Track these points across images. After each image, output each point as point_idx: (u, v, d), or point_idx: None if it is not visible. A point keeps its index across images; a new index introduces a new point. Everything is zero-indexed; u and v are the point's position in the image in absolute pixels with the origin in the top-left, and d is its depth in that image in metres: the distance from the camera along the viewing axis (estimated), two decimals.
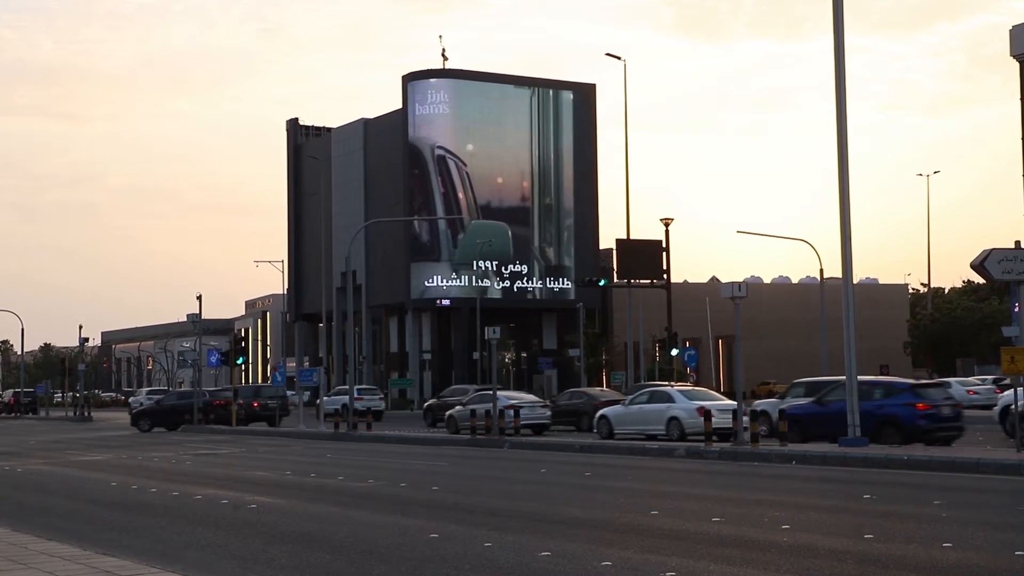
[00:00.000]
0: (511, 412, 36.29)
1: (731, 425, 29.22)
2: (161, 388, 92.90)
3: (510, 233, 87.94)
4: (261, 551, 12.94)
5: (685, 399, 33.90)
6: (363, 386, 52.26)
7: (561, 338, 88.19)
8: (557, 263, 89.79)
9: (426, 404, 54.20)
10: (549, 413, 40.20)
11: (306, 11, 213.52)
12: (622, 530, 13.80)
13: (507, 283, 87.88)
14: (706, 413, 29.24)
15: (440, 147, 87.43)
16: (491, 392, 38.52)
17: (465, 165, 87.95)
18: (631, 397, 37.17)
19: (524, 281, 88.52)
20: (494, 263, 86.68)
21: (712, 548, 12.21)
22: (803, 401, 30.66)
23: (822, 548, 12.03)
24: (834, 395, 28.68)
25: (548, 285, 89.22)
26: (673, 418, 33.02)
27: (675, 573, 10.79)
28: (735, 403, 29.77)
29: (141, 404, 61.16)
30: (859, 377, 27.06)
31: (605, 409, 35.64)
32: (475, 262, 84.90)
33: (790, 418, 28.40)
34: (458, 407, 42.82)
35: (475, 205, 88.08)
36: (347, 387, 49.79)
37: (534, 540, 13.10)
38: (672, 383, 45.67)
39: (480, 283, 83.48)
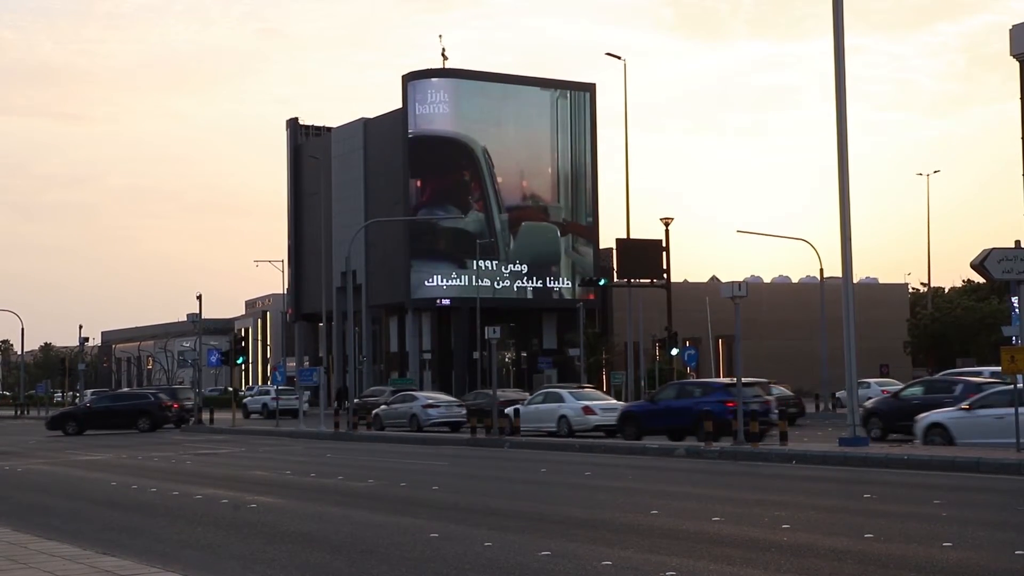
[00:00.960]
0: (431, 411, 42.62)
1: (614, 422, 34.45)
2: (104, 390, 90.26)
3: (558, 234, 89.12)
4: (261, 551, 12.94)
5: (573, 399, 37.69)
6: (284, 387, 54.00)
7: (561, 338, 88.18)
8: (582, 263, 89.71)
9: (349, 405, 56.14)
10: (464, 412, 43.08)
11: (306, 11, 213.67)
12: (622, 530, 13.80)
13: (507, 282, 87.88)
14: (590, 411, 34.36)
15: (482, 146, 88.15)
16: (409, 392, 45.06)
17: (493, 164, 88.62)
18: (530, 398, 41.20)
19: (551, 281, 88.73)
20: (493, 262, 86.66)
21: (712, 547, 12.21)
22: (641, 401, 35.41)
23: (822, 547, 12.03)
24: (663, 395, 34.43)
25: (570, 285, 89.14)
26: (563, 416, 36.87)
27: (675, 573, 10.79)
28: (618, 402, 34.90)
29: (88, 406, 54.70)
30: (687, 380, 33.54)
31: (509, 408, 37.89)
32: (514, 262, 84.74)
33: (628, 415, 33.72)
34: (383, 406, 46.91)
35: (499, 202, 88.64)
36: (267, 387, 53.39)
37: (534, 540, 13.10)
38: (580, 385, 49.35)
39: (481, 282, 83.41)
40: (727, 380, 35.11)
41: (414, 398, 45.24)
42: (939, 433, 25.52)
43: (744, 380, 30.28)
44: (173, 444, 38.72)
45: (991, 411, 24.62)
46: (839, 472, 22.02)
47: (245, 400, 69.51)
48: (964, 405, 26.08)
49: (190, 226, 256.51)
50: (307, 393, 52.11)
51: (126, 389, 75.65)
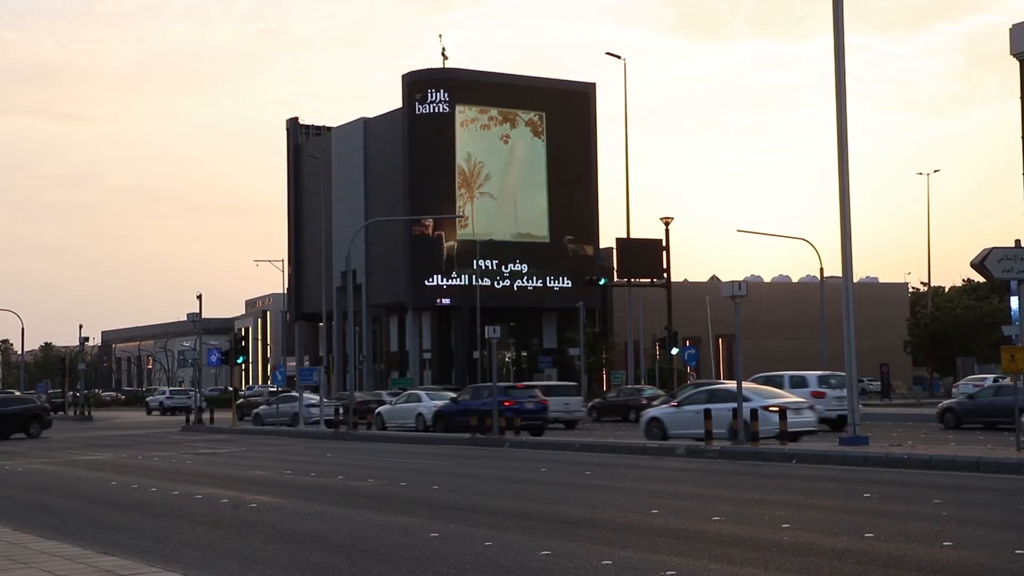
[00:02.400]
0: (312, 410, 47.08)
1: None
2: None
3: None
4: (261, 550, 12.94)
5: (428, 399, 43.01)
6: (175, 388, 56.20)
7: (561, 337, 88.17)
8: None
9: (236, 403, 59.67)
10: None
11: (306, 11, 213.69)
12: (622, 529, 13.80)
13: (507, 282, 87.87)
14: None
15: None
16: (294, 395, 48.77)
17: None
18: (396, 398, 45.86)
19: (552, 281, 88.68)
20: (493, 262, 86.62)
21: (712, 547, 12.21)
22: (447, 402, 41.31)
23: (822, 547, 12.03)
24: (463, 396, 40.47)
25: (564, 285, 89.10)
26: (419, 414, 41.90)
27: (675, 572, 10.79)
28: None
29: None
30: (485, 384, 38.48)
31: (380, 408, 44.57)
32: (475, 261, 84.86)
33: (439, 414, 39.50)
34: (263, 406, 52.43)
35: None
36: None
37: (534, 539, 13.10)
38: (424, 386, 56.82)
39: (480, 282, 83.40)
40: (505, 384, 42.98)
41: (419, 398, 45.23)
42: (656, 426, 31.51)
43: (523, 384, 39.51)
44: (173, 444, 38.73)
45: (693, 407, 30.38)
46: (839, 471, 22.02)
47: (148, 399, 71.57)
48: (673, 403, 32.38)
49: (191, 226, 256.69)
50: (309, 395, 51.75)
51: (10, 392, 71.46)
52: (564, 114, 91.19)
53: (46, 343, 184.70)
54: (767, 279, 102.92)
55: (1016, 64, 54.71)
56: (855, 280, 28.57)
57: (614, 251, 67.14)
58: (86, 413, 71.58)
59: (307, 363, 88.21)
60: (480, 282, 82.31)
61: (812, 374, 39.21)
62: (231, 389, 64.83)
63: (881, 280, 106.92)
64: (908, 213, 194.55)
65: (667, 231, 60.25)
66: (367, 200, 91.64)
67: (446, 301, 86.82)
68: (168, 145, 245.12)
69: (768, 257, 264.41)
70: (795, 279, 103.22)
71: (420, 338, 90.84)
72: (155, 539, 14.25)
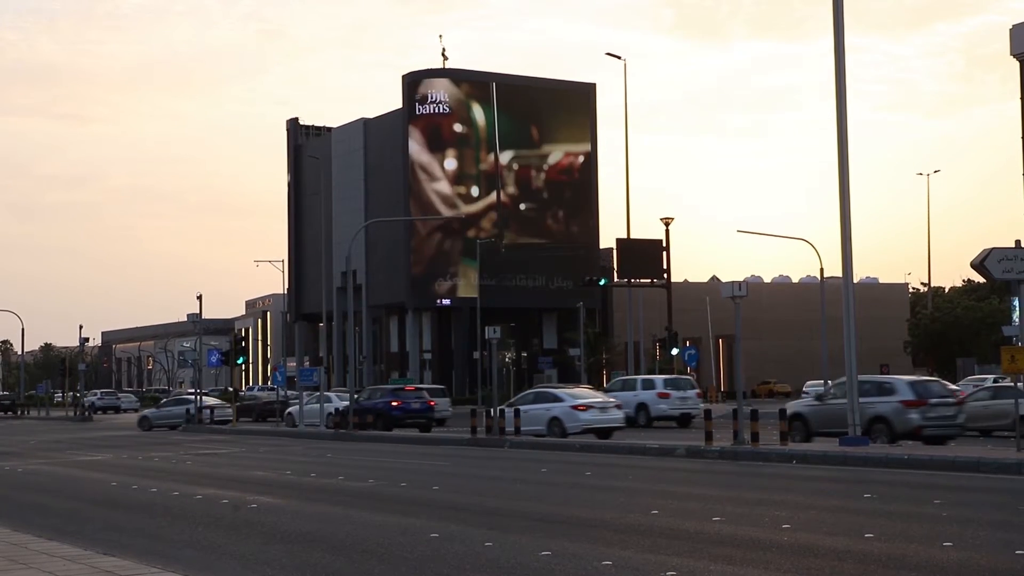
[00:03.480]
0: (208, 411, 52.57)
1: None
2: None
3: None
4: (261, 551, 12.94)
5: (337, 399, 47.99)
6: (107, 390, 58.65)
7: (561, 337, 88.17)
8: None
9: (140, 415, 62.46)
10: (230, 410, 53.79)
11: (307, 11, 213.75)
12: (623, 530, 13.79)
13: (507, 282, 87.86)
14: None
15: None
16: (190, 396, 54.68)
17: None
18: (306, 400, 48.69)
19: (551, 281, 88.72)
20: (494, 262, 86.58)
21: (713, 547, 12.20)
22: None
23: (823, 547, 12.03)
24: (363, 395, 45.67)
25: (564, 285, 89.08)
26: (330, 413, 45.23)
27: (676, 573, 10.78)
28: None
29: None
30: (376, 386, 44.08)
31: (290, 408, 48.66)
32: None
33: (344, 413, 42.80)
34: (152, 409, 58.14)
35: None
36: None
37: (535, 540, 13.09)
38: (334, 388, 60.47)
39: (480, 282, 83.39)
40: (394, 386, 47.99)
41: (329, 399, 49.10)
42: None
43: (412, 387, 44.01)
44: (173, 444, 38.72)
45: (524, 407, 35.02)
46: (839, 472, 22.01)
47: (84, 399, 74.51)
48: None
49: (190, 226, 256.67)
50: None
51: None
52: (564, 114, 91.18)
53: (46, 343, 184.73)
54: (767, 279, 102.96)
55: (1016, 64, 54.73)
56: (855, 280, 28.56)
57: (614, 251, 67.15)
58: (86, 414, 71.62)
59: (307, 364, 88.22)
60: (480, 282, 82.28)
61: (660, 377, 45.71)
62: (231, 390, 64.80)
63: (881, 280, 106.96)
64: (908, 213, 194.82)
65: (667, 231, 60.28)
66: (367, 200, 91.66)
67: (446, 301, 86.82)
68: (168, 145, 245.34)
69: (768, 257, 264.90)
70: (795, 279, 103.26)
71: (420, 338, 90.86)
72: (155, 539, 14.24)
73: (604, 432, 33.64)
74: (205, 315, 57.43)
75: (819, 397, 30.95)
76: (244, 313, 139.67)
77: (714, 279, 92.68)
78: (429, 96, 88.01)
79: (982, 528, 13.38)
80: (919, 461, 22.24)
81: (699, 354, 65.20)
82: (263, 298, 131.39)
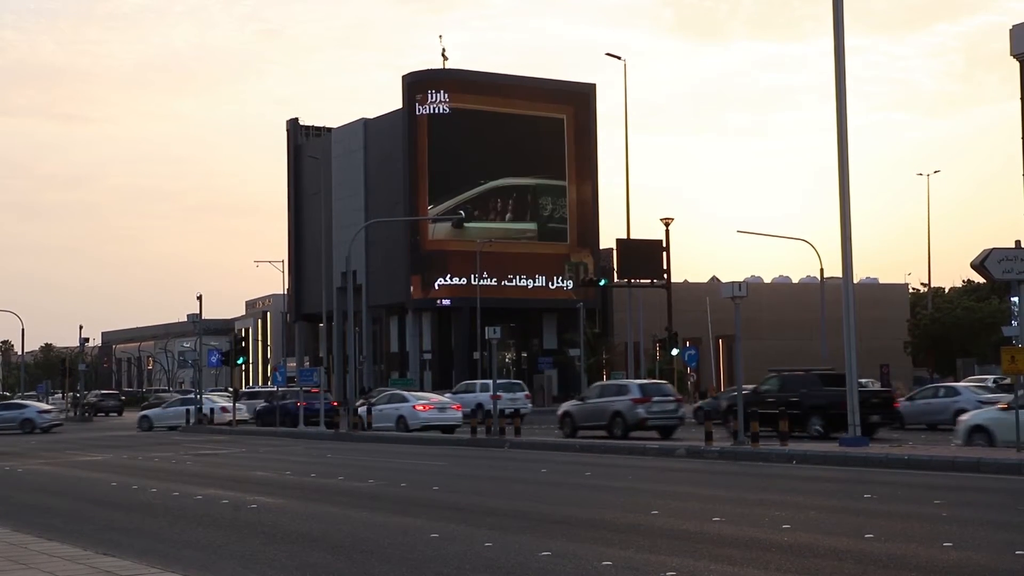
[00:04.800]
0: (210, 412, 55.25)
1: (246, 417, 53.89)
2: None
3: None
4: (261, 551, 12.94)
5: (209, 401, 54.55)
6: (108, 391, 60.93)
7: (561, 338, 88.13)
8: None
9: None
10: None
11: (306, 12, 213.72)
12: (623, 530, 13.80)
13: (507, 283, 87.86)
14: (225, 409, 51.87)
15: None
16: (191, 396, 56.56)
17: None
18: (168, 402, 56.75)
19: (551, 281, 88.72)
20: (494, 262, 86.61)
21: (713, 548, 12.21)
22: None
23: (823, 547, 12.03)
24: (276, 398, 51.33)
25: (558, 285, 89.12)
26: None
27: (676, 573, 10.79)
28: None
29: None
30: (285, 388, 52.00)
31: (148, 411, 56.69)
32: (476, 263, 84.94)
33: (259, 412, 51.83)
34: (157, 409, 60.20)
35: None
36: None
37: (535, 540, 13.10)
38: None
39: (480, 282, 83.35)
40: (296, 389, 50.49)
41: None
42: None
43: (316, 388, 47.95)
44: (173, 444, 38.73)
45: (378, 407, 41.95)
46: (839, 472, 22.02)
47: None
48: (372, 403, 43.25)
49: (190, 226, 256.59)
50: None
51: None
52: (564, 114, 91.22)
53: (46, 344, 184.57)
54: (767, 280, 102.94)
55: (1016, 64, 54.73)
56: (855, 281, 28.57)
57: (614, 252, 67.14)
58: (86, 414, 71.63)
59: (307, 364, 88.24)
60: (480, 282, 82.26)
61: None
62: (231, 390, 64.81)
63: (881, 281, 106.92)
64: (908, 213, 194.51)
65: (667, 232, 60.27)
66: (367, 200, 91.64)
67: (446, 302, 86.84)
68: (168, 145, 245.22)
69: (768, 257, 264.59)
70: (795, 280, 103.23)
71: (420, 338, 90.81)
72: (155, 540, 14.25)
73: (449, 430, 40.59)
74: (205, 315, 57.45)
75: (582, 398, 37.91)
76: (244, 313, 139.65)
77: (714, 279, 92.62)
78: (429, 96, 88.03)
79: (982, 528, 13.38)
80: (919, 461, 22.24)
81: (699, 354, 65.17)
82: (263, 298, 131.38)
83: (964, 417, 26.81)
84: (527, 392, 54.76)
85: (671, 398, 35.79)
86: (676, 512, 15.54)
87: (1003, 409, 25.20)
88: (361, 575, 11.39)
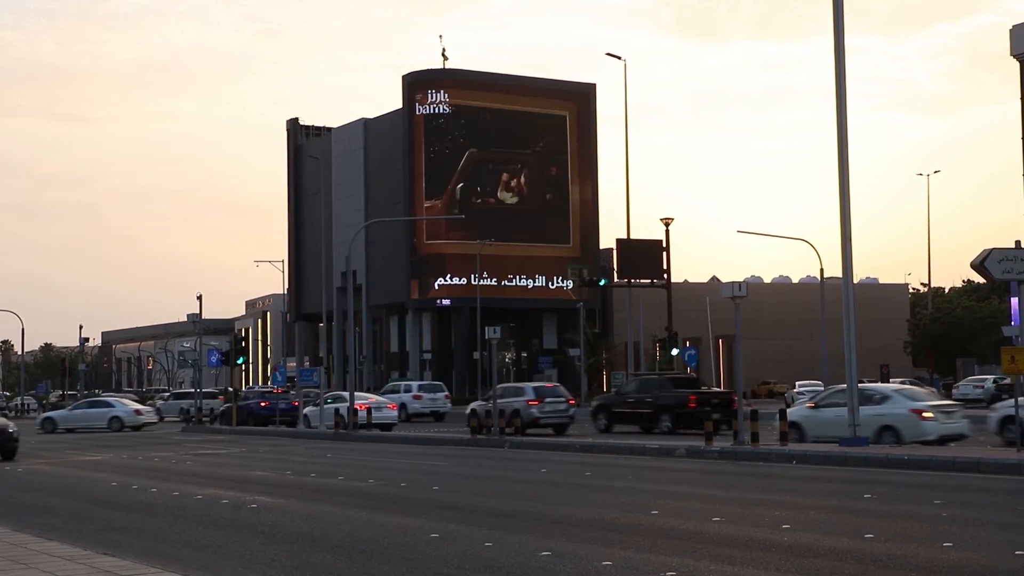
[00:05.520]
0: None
1: (155, 420, 54.09)
2: None
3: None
4: (261, 551, 12.94)
5: (122, 405, 53.09)
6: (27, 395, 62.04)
7: (561, 338, 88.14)
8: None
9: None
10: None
11: (306, 12, 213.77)
12: (623, 530, 13.79)
13: (507, 283, 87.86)
14: (139, 412, 52.02)
15: None
16: (110, 399, 56.01)
17: None
18: (77, 403, 54.46)
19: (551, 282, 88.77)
20: (494, 262, 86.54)
21: (713, 548, 12.20)
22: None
23: (823, 548, 12.03)
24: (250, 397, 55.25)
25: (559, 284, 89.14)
26: (115, 417, 51.16)
27: (676, 573, 10.78)
28: (148, 408, 49.63)
29: None
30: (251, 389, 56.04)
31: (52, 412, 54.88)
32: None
33: (222, 413, 51.57)
34: (63, 411, 59.66)
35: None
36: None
37: (535, 540, 13.09)
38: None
39: (480, 283, 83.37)
40: (268, 389, 55.11)
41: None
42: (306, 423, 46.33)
43: (280, 389, 52.52)
44: (173, 444, 38.72)
45: (317, 407, 45.47)
46: (839, 472, 22.01)
47: None
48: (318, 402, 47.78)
49: (191, 226, 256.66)
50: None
51: None
52: (564, 114, 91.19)
53: (46, 344, 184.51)
54: (767, 280, 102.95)
55: (1016, 65, 54.72)
56: (855, 281, 28.57)
57: (614, 252, 67.14)
58: None
59: (307, 364, 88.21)
60: (480, 282, 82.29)
61: (414, 383, 56.24)
62: (231, 390, 64.78)
63: (881, 281, 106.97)
64: (908, 213, 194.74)
65: (667, 232, 60.26)
66: (367, 200, 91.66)
67: (446, 302, 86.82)
68: (168, 145, 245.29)
69: (768, 257, 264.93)
70: (795, 280, 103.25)
71: (420, 338, 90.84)
72: (155, 539, 14.24)
73: (387, 427, 44.55)
74: (205, 315, 57.41)
75: (487, 398, 41.04)
76: (244, 313, 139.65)
77: (714, 279, 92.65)
78: (429, 96, 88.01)
79: (982, 528, 13.37)
80: (919, 461, 22.23)
81: (699, 354, 65.15)
82: (263, 298, 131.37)
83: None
84: (447, 393, 58.60)
85: (563, 399, 39.44)
86: (676, 512, 15.54)
87: (811, 408, 29.40)
88: (361, 575, 11.38)
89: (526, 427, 36.83)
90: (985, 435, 28.26)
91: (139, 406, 55.64)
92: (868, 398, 27.41)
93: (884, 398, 27.94)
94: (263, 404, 50.75)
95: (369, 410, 44.01)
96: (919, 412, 26.70)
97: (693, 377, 47.33)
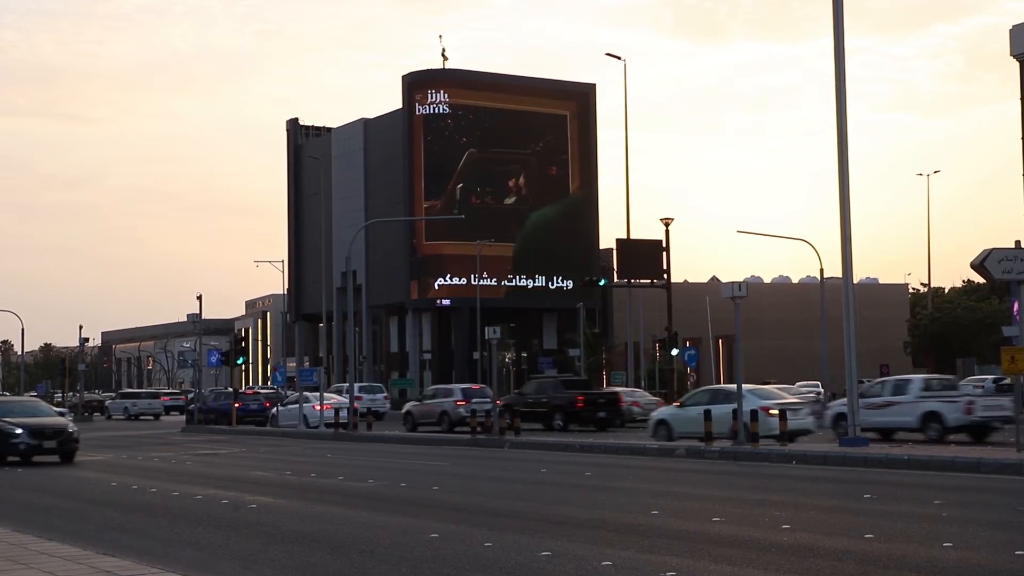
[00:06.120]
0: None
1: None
2: None
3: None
4: (261, 551, 12.94)
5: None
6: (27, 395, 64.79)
7: (561, 338, 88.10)
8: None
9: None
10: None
11: (306, 12, 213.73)
12: (622, 530, 13.80)
13: (507, 283, 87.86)
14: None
15: None
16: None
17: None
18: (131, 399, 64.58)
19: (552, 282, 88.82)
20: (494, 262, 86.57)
21: (713, 548, 12.21)
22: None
23: (822, 548, 12.03)
24: (207, 398, 55.17)
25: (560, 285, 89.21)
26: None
27: (675, 573, 10.78)
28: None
29: None
30: (218, 389, 55.12)
31: (108, 403, 62.01)
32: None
33: (191, 412, 54.66)
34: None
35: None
36: None
37: (534, 540, 13.10)
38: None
39: (480, 283, 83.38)
40: (241, 391, 55.90)
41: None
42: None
43: (252, 391, 53.74)
44: (173, 444, 38.72)
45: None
46: (839, 472, 22.02)
47: None
48: (239, 402, 52.10)
49: (190, 226, 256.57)
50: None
51: None
52: (564, 114, 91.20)
53: (46, 343, 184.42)
54: (767, 280, 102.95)
55: (1016, 65, 54.71)
56: (855, 281, 28.58)
57: (614, 252, 67.12)
58: (86, 414, 71.66)
59: (307, 364, 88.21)
60: (480, 282, 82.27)
61: (458, 387, 54.49)
62: (231, 390, 64.81)
63: (881, 281, 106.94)
64: (908, 213, 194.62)
65: (667, 232, 60.22)
66: (367, 200, 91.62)
67: (446, 302, 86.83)
68: (168, 145, 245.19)
69: (768, 257, 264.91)
70: (795, 280, 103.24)
71: (420, 338, 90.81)
72: (155, 540, 14.24)
73: (344, 425, 43.53)
74: (205, 315, 57.45)
75: (420, 399, 47.45)
76: (244, 313, 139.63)
77: (714, 279, 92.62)
78: (429, 96, 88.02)
79: (982, 528, 13.38)
80: (919, 461, 22.24)
81: (699, 354, 65.15)
82: (263, 298, 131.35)
83: (654, 413, 34.34)
84: (386, 394, 61.81)
85: (488, 400, 40.85)
86: (676, 512, 15.54)
87: (677, 407, 32.63)
88: (361, 575, 11.38)
89: (454, 425, 39.93)
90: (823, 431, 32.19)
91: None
92: (726, 397, 30.42)
93: (735, 396, 29.86)
94: (238, 404, 52.28)
95: (329, 411, 45.29)
96: (766, 410, 28.96)
97: (584, 380, 51.14)
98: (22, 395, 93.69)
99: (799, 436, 29.44)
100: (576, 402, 41.34)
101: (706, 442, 27.62)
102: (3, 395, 75.88)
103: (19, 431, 28.25)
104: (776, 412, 28.27)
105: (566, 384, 44.24)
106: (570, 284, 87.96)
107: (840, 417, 30.77)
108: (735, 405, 28.12)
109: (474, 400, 42.51)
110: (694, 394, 34.08)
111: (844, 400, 30.31)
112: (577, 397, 41.65)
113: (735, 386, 28.85)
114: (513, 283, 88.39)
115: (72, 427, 29.77)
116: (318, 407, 46.78)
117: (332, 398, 49.97)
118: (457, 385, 49.56)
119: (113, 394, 77.78)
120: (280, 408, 49.94)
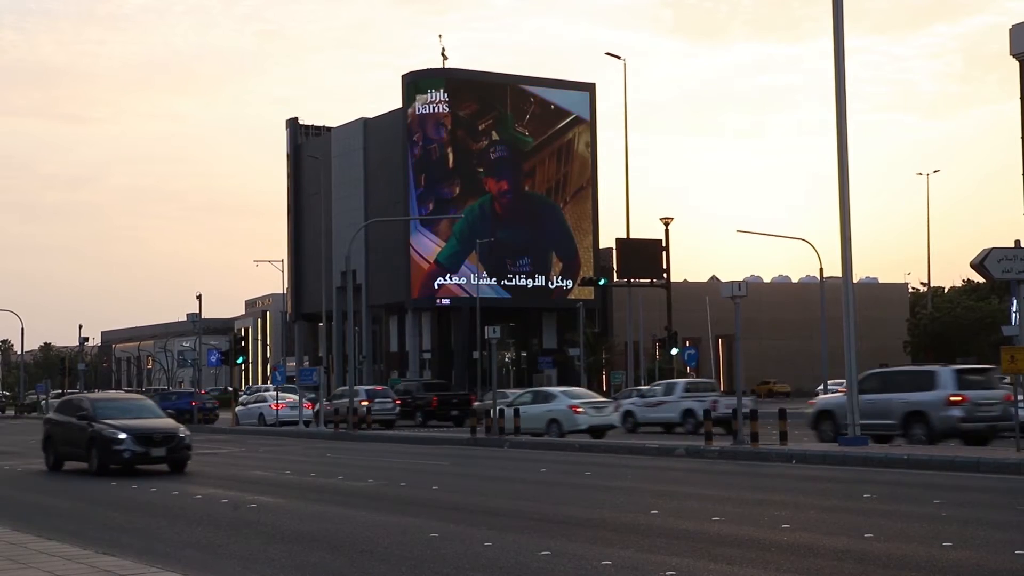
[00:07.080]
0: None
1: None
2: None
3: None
4: (261, 551, 12.94)
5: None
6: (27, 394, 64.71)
7: (561, 337, 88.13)
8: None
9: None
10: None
11: (306, 12, 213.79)
12: (622, 529, 13.79)
13: (507, 282, 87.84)
14: None
15: None
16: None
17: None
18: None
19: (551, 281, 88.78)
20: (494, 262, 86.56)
21: (712, 547, 12.20)
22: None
23: (822, 547, 12.03)
24: (154, 398, 48.64)
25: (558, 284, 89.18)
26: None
27: (675, 572, 10.78)
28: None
29: None
30: (166, 390, 55.48)
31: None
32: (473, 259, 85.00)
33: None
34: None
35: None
36: None
37: (534, 539, 13.09)
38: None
39: (480, 282, 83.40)
40: (181, 392, 57.81)
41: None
42: None
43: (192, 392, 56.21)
44: None
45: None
46: (839, 472, 22.01)
47: None
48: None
49: (191, 226, 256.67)
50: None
51: None
52: (564, 114, 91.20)
53: (46, 343, 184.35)
54: (767, 279, 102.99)
55: (1016, 65, 54.72)
56: (855, 280, 28.57)
57: (614, 251, 67.13)
58: None
59: (307, 363, 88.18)
60: (480, 282, 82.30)
61: (362, 388, 56.00)
62: (231, 389, 64.89)
63: (881, 280, 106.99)
64: (908, 213, 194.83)
65: (667, 231, 60.25)
66: (367, 200, 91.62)
67: (446, 301, 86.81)
68: (168, 145, 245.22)
69: (768, 257, 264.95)
70: (795, 279, 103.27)
71: (420, 338, 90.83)
72: (155, 539, 14.23)
73: (306, 423, 48.40)
74: (205, 315, 57.46)
75: (331, 399, 49.96)
76: (244, 313, 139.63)
77: (714, 279, 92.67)
78: (429, 96, 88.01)
79: (982, 528, 13.37)
80: (919, 461, 22.24)
81: (699, 354, 65.15)
82: (263, 298, 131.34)
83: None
84: (395, 397, 66.27)
85: (389, 400, 48.94)
86: (676, 512, 15.54)
87: (646, 404, 37.85)
88: (361, 575, 11.38)
89: (360, 422, 42.98)
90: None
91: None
92: (544, 397, 36.16)
93: (552, 397, 36.36)
94: (193, 404, 54.08)
95: (285, 409, 48.96)
96: (574, 408, 34.32)
97: (443, 383, 61.42)
98: (22, 395, 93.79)
99: (604, 431, 34.55)
100: (432, 401, 49.89)
101: (706, 442, 27.60)
102: (103, 393, 75.92)
103: (122, 435, 24.01)
104: (582, 410, 33.95)
105: (426, 386, 53.88)
106: (570, 284, 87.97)
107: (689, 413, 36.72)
108: (550, 404, 34.68)
109: (377, 400, 48.21)
110: (521, 394, 39.28)
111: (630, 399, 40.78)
112: (433, 397, 50.42)
113: (553, 387, 35.91)
114: (513, 283, 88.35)
115: (183, 431, 25.17)
116: (274, 406, 49.57)
117: (288, 397, 51.54)
118: (362, 387, 53.80)
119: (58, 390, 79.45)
120: (239, 408, 53.40)
